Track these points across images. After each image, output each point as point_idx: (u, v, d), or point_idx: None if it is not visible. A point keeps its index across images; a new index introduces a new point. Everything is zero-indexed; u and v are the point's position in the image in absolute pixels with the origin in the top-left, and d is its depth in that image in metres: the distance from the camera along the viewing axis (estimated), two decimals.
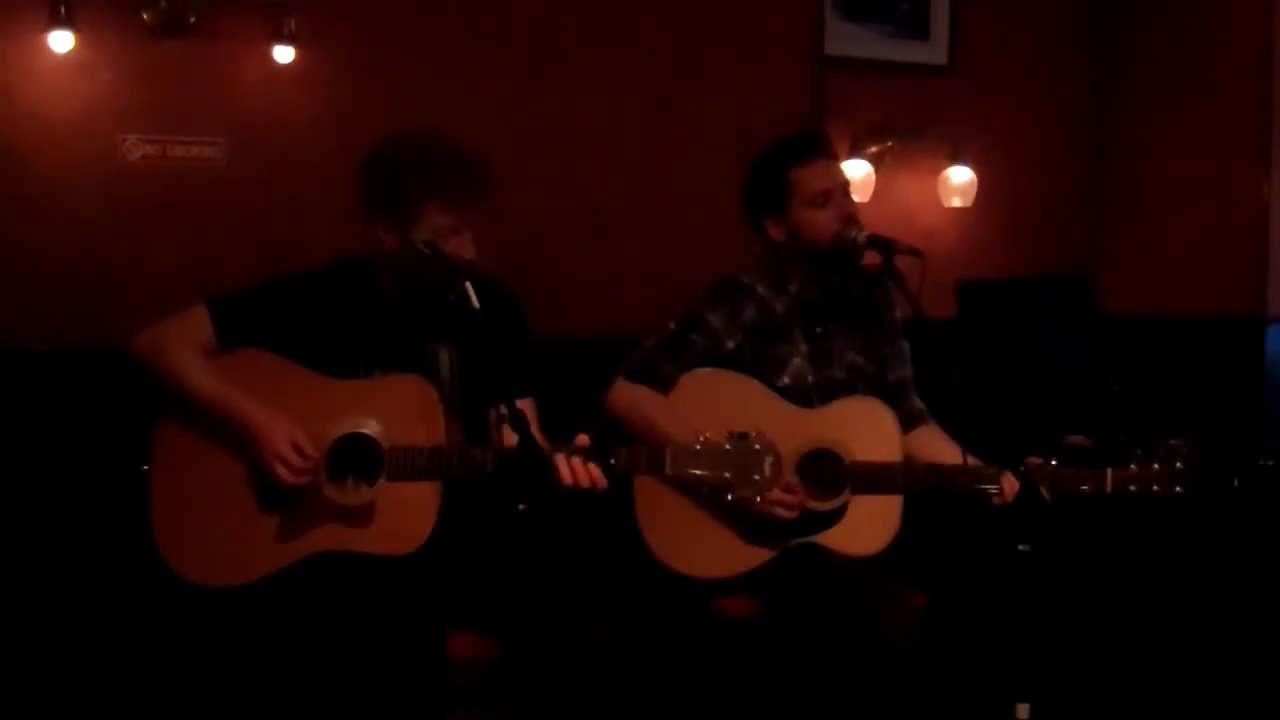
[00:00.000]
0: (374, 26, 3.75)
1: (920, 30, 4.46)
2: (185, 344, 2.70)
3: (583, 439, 2.61)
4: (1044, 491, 2.79)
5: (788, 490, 2.87)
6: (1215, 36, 4.33)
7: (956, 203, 4.45)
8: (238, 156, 3.63)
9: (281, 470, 2.61)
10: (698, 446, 2.60)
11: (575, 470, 2.57)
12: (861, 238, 3.01)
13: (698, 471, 2.61)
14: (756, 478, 2.59)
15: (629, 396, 3.01)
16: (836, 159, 3.19)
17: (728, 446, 2.59)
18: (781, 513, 2.88)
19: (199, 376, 2.67)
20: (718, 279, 3.14)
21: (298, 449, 2.61)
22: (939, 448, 3.03)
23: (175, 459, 2.71)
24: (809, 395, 3.07)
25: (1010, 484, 2.87)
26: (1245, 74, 4.21)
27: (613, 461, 2.63)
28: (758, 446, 2.58)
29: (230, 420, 2.65)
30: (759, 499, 2.71)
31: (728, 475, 2.60)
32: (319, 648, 2.56)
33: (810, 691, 2.85)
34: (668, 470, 2.63)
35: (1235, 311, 4.20)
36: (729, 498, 2.75)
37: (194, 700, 2.91)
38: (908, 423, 3.15)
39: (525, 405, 2.61)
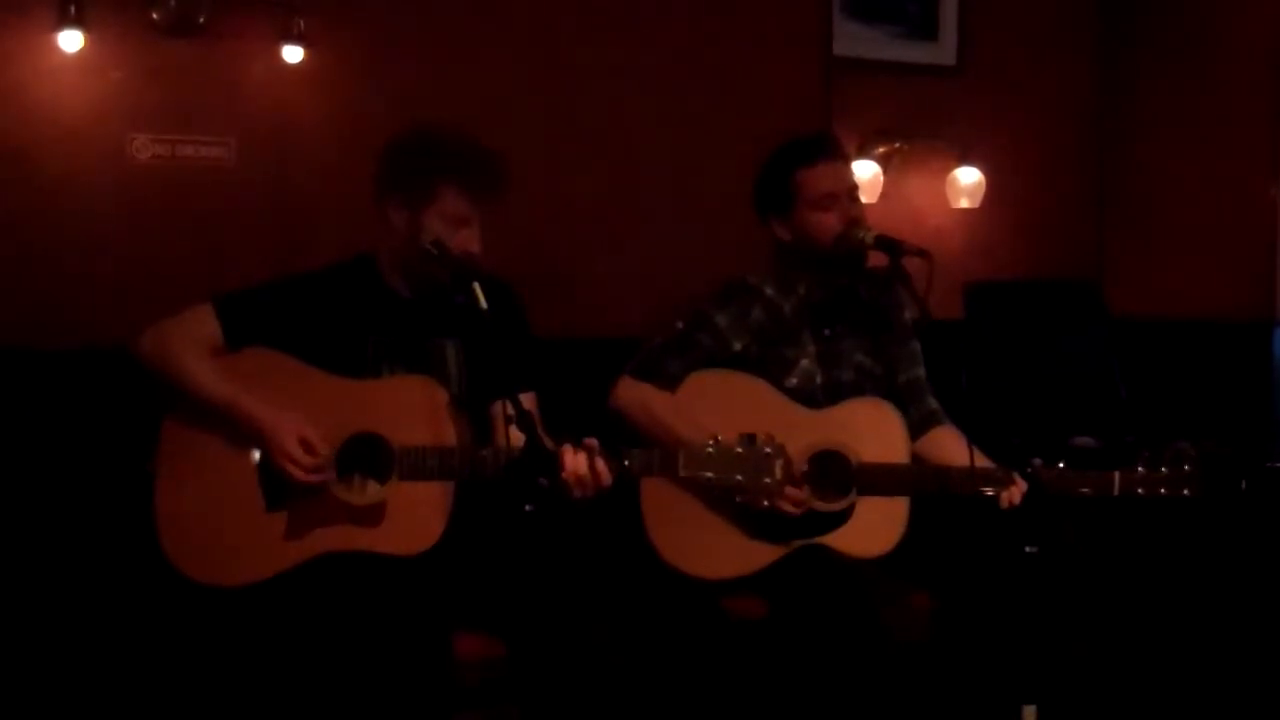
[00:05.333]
0: (383, 26, 3.75)
1: (928, 31, 4.45)
2: (191, 343, 2.70)
3: (591, 442, 2.62)
4: (1048, 492, 2.80)
5: (794, 492, 2.87)
6: (1223, 38, 4.33)
7: (964, 204, 4.45)
8: (247, 156, 3.63)
9: (292, 469, 2.61)
10: (710, 449, 2.61)
11: (579, 462, 2.57)
12: (869, 238, 3.01)
13: (710, 473, 2.62)
14: (767, 480, 2.60)
15: (635, 394, 3.01)
16: (845, 161, 3.17)
17: (739, 449, 2.60)
18: (788, 507, 2.87)
19: (205, 377, 2.67)
20: (726, 280, 3.14)
21: (307, 446, 2.61)
22: (952, 449, 3.03)
23: (181, 458, 2.71)
24: (816, 396, 3.07)
25: (1017, 489, 2.87)
26: (1253, 76, 4.21)
27: (626, 463, 2.63)
28: (768, 450, 2.59)
29: (238, 420, 2.65)
30: (766, 502, 2.73)
31: (739, 478, 2.61)
32: (325, 648, 2.55)
33: (817, 692, 2.84)
34: (681, 472, 2.64)
35: (1243, 314, 4.20)
36: (737, 499, 2.77)
37: (199, 700, 2.91)
38: (923, 424, 3.15)
39: (526, 399, 2.62)
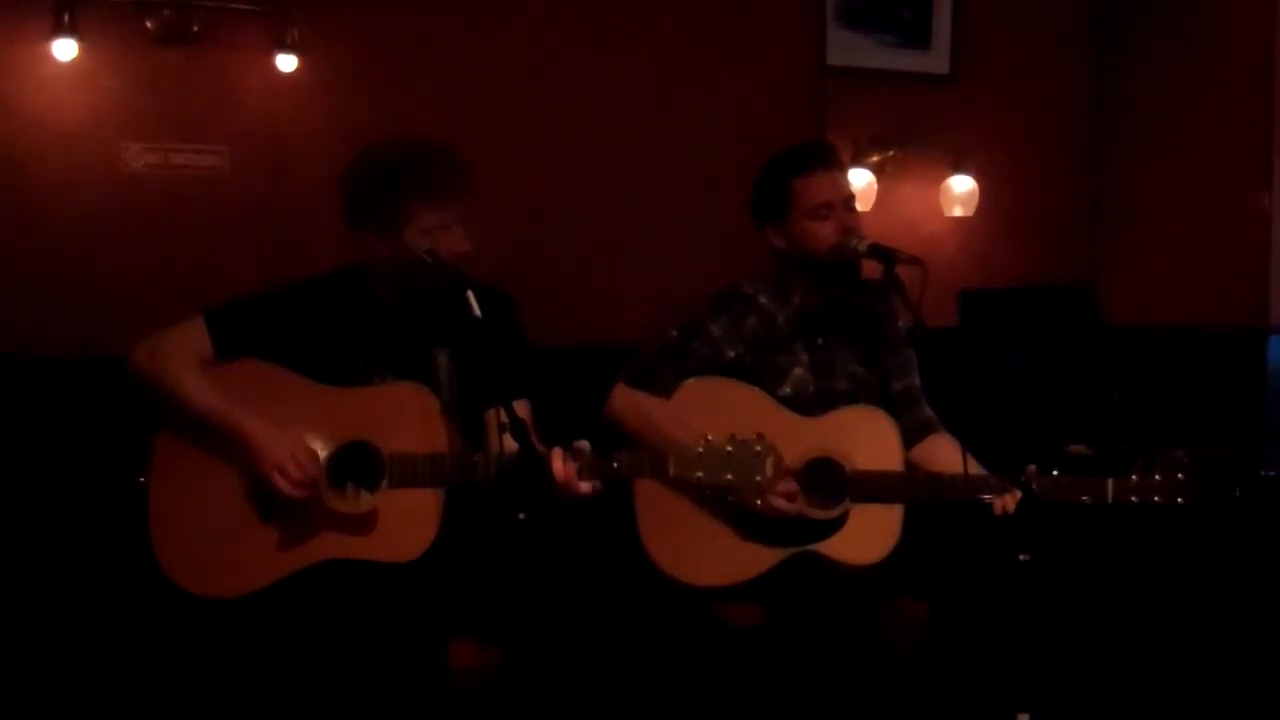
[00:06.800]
0: (376, 35, 3.76)
1: (922, 39, 4.46)
2: (183, 357, 2.70)
3: (583, 444, 2.62)
4: (1042, 499, 2.80)
5: (785, 486, 2.87)
6: (1217, 46, 4.34)
7: (958, 212, 4.46)
8: (240, 165, 3.64)
9: (281, 483, 2.61)
10: (700, 449, 2.61)
11: (568, 470, 2.57)
12: (863, 247, 3.01)
13: (700, 474, 2.61)
14: (758, 479, 2.60)
15: (629, 401, 3.01)
16: (842, 170, 3.17)
17: (729, 449, 2.60)
18: (780, 503, 2.87)
19: (197, 391, 2.67)
20: (721, 288, 3.14)
21: (297, 463, 2.62)
22: (947, 457, 3.02)
23: (174, 469, 2.70)
24: (809, 405, 3.07)
25: (1011, 496, 2.87)
26: (1247, 84, 4.21)
27: (615, 465, 2.63)
28: (759, 449, 2.60)
29: (229, 434, 2.65)
30: (759, 501, 2.73)
31: (730, 477, 2.61)
32: (320, 657, 2.55)
33: (811, 700, 2.84)
34: (671, 473, 2.64)
35: (1236, 322, 4.20)
36: (730, 499, 2.77)
37: (196, 712, 2.90)
38: (918, 432, 3.15)
39: (520, 407, 2.62)
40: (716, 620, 2.98)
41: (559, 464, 2.57)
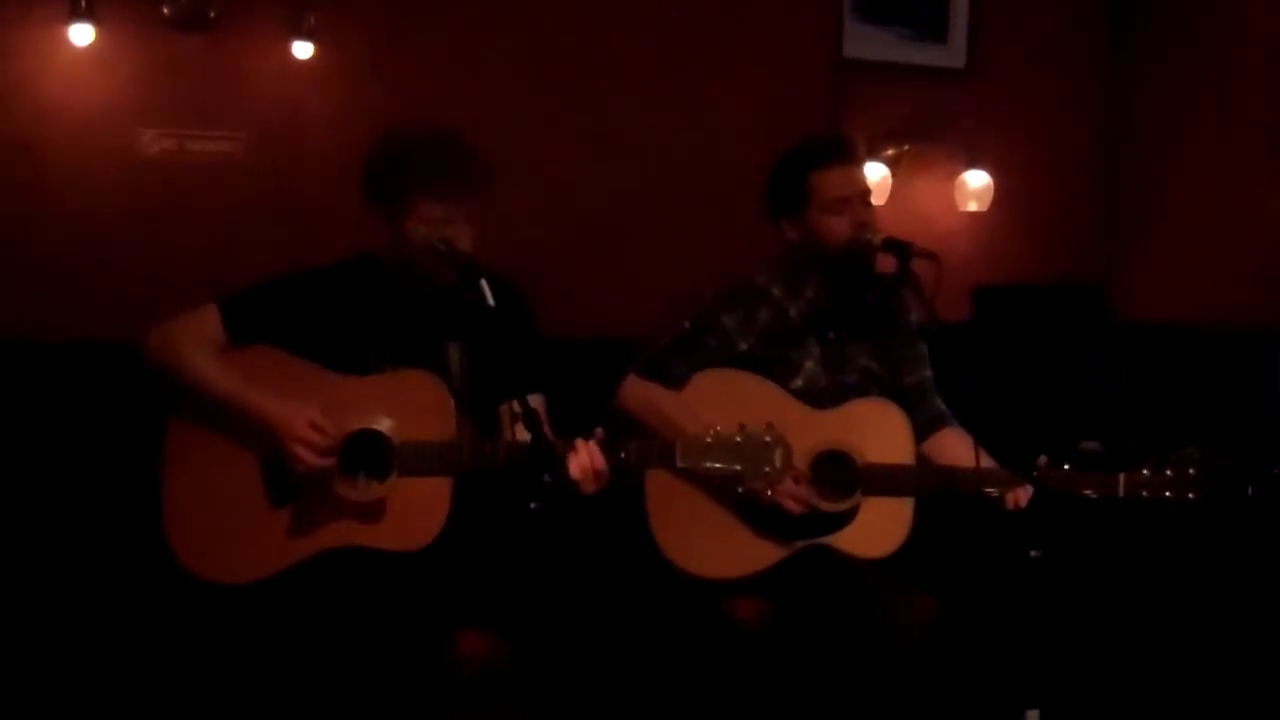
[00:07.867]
0: (392, 23, 3.76)
1: (938, 34, 4.45)
2: (197, 342, 2.70)
3: (599, 432, 2.62)
4: (1053, 492, 2.80)
5: (796, 482, 2.87)
6: (1232, 43, 4.32)
7: (973, 207, 4.45)
8: (256, 151, 3.64)
9: (304, 452, 2.60)
10: (708, 439, 2.61)
11: (592, 456, 2.58)
12: (877, 240, 3.00)
13: (708, 464, 2.61)
14: (767, 470, 2.60)
15: (640, 393, 3.01)
16: (859, 164, 3.16)
17: (738, 439, 2.60)
18: (790, 504, 2.87)
19: (212, 374, 2.67)
20: (734, 281, 3.14)
21: (317, 428, 2.62)
22: (959, 451, 3.02)
23: (187, 456, 2.71)
24: (821, 399, 3.07)
25: (1023, 491, 2.87)
26: (1262, 80, 4.20)
27: (623, 455, 2.63)
28: (768, 439, 2.59)
29: (245, 415, 2.65)
30: (769, 491, 2.72)
31: (738, 467, 2.60)
32: (328, 644, 2.56)
33: (819, 694, 2.85)
34: (678, 463, 2.63)
35: (1251, 320, 4.19)
36: (739, 490, 2.77)
37: (203, 697, 2.91)
38: (929, 425, 3.14)
39: (535, 401, 2.62)
40: (724, 613, 2.98)
41: (585, 453, 2.57)
